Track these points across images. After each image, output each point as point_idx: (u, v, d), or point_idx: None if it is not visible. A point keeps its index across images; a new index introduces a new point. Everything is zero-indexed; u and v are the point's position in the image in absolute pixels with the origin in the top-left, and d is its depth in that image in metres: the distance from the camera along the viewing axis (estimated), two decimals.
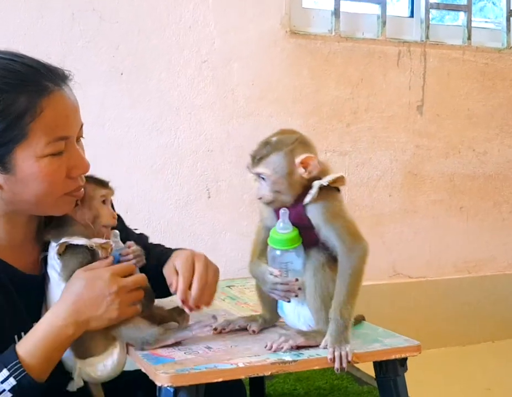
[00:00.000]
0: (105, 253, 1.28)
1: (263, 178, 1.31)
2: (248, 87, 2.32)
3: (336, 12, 2.46)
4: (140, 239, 1.50)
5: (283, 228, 1.29)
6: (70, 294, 1.23)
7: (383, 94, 2.55)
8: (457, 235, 2.73)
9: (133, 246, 1.36)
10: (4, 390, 1.16)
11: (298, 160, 1.28)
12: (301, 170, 1.28)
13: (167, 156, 2.21)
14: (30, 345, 1.19)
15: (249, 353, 1.28)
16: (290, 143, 1.33)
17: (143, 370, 1.24)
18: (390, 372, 1.36)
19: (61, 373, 1.27)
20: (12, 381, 1.16)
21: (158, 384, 1.17)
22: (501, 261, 2.80)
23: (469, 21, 2.69)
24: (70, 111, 1.21)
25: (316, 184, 1.27)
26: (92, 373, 1.28)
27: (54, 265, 1.29)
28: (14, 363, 1.16)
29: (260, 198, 1.32)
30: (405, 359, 1.37)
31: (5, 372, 1.16)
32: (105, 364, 1.28)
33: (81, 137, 1.27)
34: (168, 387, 1.16)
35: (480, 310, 2.75)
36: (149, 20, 2.18)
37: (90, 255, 1.27)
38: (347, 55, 2.47)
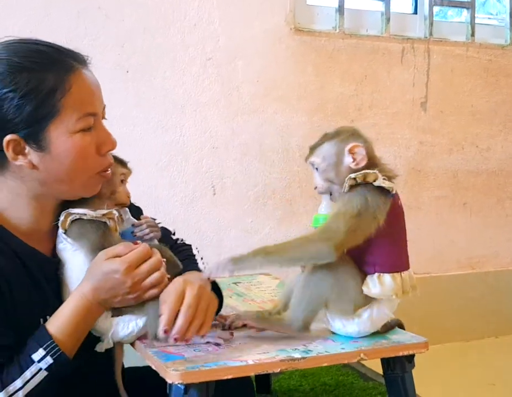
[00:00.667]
0: (113, 223, 1.30)
1: (316, 168, 1.33)
2: (252, 85, 2.33)
3: (340, 9, 2.47)
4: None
5: (323, 210, 1.34)
6: (93, 277, 1.25)
7: (387, 91, 2.55)
8: (460, 231, 2.73)
9: (147, 218, 1.40)
10: (41, 369, 1.18)
11: (346, 148, 1.30)
12: (349, 160, 1.29)
13: (172, 154, 2.22)
14: (59, 324, 1.22)
15: (258, 350, 1.29)
16: (342, 133, 1.35)
17: (153, 367, 1.24)
18: (398, 369, 1.37)
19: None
20: (49, 360, 1.19)
21: (169, 381, 1.18)
22: (504, 257, 2.81)
23: (472, 17, 2.70)
24: (95, 88, 1.25)
25: (349, 176, 1.27)
26: (123, 331, 1.30)
27: (62, 240, 1.30)
28: (49, 342, 1.19)
29: (315, 188, 1.34)
30: (412, 356, 1.37)
31: (41, 351, 1.19)
32: (137, 323, 1.30)
33: (104, 117, 1.30)
34: (179, 385, 1.17)
35: (484, 305, 2.76)
36: (154, 18, 2.18)
37: (103, 226, 1.29)
38: (352, 52, 2.48)
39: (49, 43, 1.25)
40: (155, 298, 1.28)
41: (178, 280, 1.30)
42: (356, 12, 2.54)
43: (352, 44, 2.48)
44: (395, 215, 1.32)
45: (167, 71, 2.20)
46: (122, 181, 1.38)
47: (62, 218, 1.29)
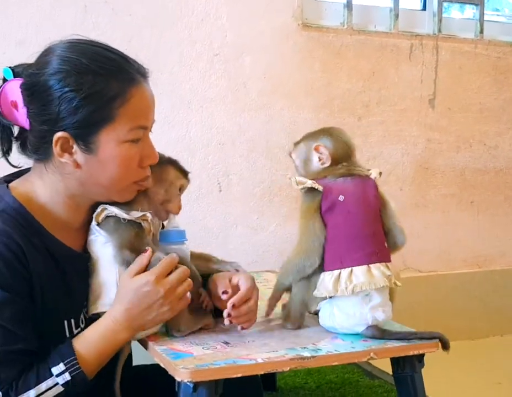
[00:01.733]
0: (147, 225, 1.30)
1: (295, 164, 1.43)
2: (259, 81, 2.31)
3: (349, 5, 2.45)
4: None
5: None
6: (123, 298, 1.26)
7: (394, 87, 2.54)
8: (467, 230, 2.72)
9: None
10: (58, 384, 1.18)
11: (313, 146, 1.37)
12: (315, 158, 1.37)
13: (178, 150, 2.20)
14: (86, 343, 1.23)
15: (267, 349, 1.28)
16: (317, 132, 1.41)
17: (162, 365, 1.24)
18: (408, 368, 1.36)
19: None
20: (67, 376, 1.19)
21: (178, 379, 1.17)
22: (511, 256, 2.80)
23: (481, 14, 2.68)
24: (152, 103, 1.28)
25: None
26: None
27: (94, 232, 1.30)
28: (71, 359, 1.20)
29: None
30: (422, 355, 1.37)
31: (61, 366, 1.19)
32: None
33: (151, 131, 1.31)
34: (188, 383, 1.16)
35: (490, 304, 2.75)
36: (162, 13, 2.17)
37: (136, 227, 1.29)
38: (359, 48, 2.46)
39: (118, 51, 1.26)
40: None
41: (247, 275, 1.39)
42: (364, 8, 2.52)
43: (360, 40, 2.46)
44: (334, 214, 1.34)
45: (174, 66, 2.19)
46: (180, 190, 1.38)
47: (98, 210, 1.29)
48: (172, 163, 1.39)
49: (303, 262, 1.35)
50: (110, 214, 1.29)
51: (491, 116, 2.71)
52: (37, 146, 1.24)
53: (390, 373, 1.42)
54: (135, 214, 1.30)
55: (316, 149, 1.37)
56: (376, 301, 1.32)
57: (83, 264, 1.31)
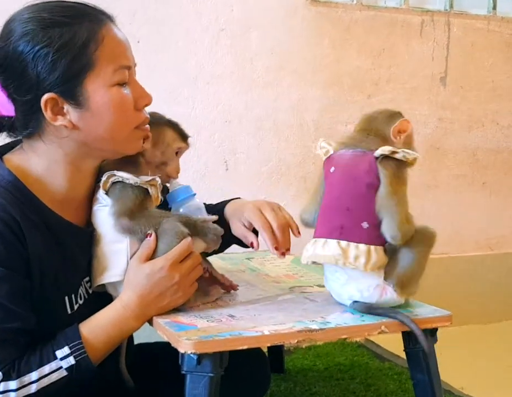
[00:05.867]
0: (154, 190, 1.26)
1: None
2: (267, 57, 2.26)
3: None
4: None
5: None
6: (135, 285, 1.22)
7: (405, 65, 2.48)
8: (479, 211, 2.66)
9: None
10: (61, 367, 1.14)
11: None
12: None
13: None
14: (94, 328, 1.19)
15: (274, 322, 1.24)
16: None
17: (165, 338, 1.20)
18: (420, 343, 1.31)
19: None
20: (71, 360, 1.15)
21: (181, 350, 1.13)
22: None
23: None
24: (125, 42, 1.23)
25: None
26: None
27: (101, 201, 1.27)
28: (76, 342, 1.16)
29: None
30: (435, 330, 1.32)
31: (66, 349, 1.15)
32: None
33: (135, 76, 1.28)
34: (191, 354, 1.13)
35: (502, 287, 2.69)
36: None
37: (143, 194, 1.26)
38: (369, 24, 2.40)
39: (74, 0, 1.22)
40: None
41: (245, 205, 1.42)
42: None
43: (370, 16, 2.40)
44: (325, 185, 1.35)
45: (179, 41, 2.14)
46: (176, 153, 1.35)
47: (104, 178, 1.25)
48: (171, 125, 1.37)
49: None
50: (116, 180, 1.25)
51: (504, 95, 2.64)
52: (27, 120, 1.18)
53: (401, 355, 1.38)
54: (144, 178, 1.27)
55: None
56: (343, 278, 1.30)
57: (85, 238, 1.27)
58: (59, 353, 1.15)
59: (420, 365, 1.31)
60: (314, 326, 1.21)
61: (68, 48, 1.14)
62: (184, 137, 1.38)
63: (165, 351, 1.22)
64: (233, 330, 1.18)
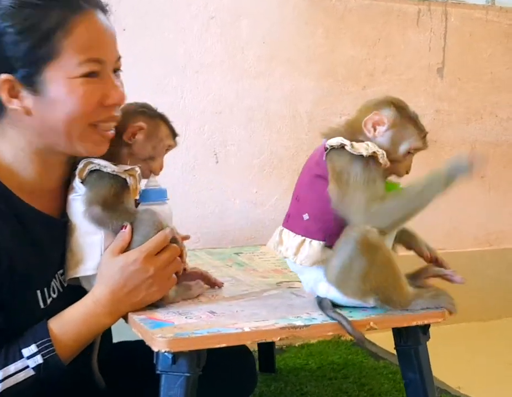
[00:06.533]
0: (133, 181, 1.21)
1: None
2: (258, 46, 2.19)
3: None
4: None
5: None
6: (108, 279, 1.16)
7: (401, 55, 2.41)
8: (478, 206, 2.59)
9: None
10: (28, 366, 1.09)
11: None
12: None
13: (172, 118, 2.03)
14: (64, 324, 1.14)
15: (256, 318, 1.17)
16: None
17: (139, 336, 1.14)
18: (411, 340, 1.25)
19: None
20: (39, 359, 1.09)
21: (155, 349, 1.07)
22: None
23: None
24: (105, 34, 1.17)
25: None
26: None
27: (76, 190, 1.22)
28: (45, 340, 1.10)
29: None
30: (427, 326, 1.26)
31: (33, 347, 1.09)
32: None
33: (119, 69, 1.22)
34: (166, 353, 1.06)
35: (502, 284, 2.62)
36: None
37: (120, 185, 1.20)
38: (364, 13, 2.33)
39: None
40: None
41: None
42: None
43: (365, 5, 2.33)
44: None
45: (167, 30, 2.07)
46: (166, 150, 1.32)
47: (80, 166, 1.20)
48: (164, 120, 1.33)
49: None
50: (94, 168, 1.20)
51: (503, 86, 2.57)
52: None
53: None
54: (123, 167, 1.22)
55: None
56: (292, 268, 1.29)
57: (58, 229, 1.21)
58: (26, 352, 1.09)
59: (412, 363, 1.25)
60: (299, 323, 1.14)
61: (32, 31, 1.10)
62: (174, 134, 1.34)
63: (145, 349, 1.15)
64: (212, 326, 1.11)
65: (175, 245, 1.21)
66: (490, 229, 2.63)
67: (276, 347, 2.03)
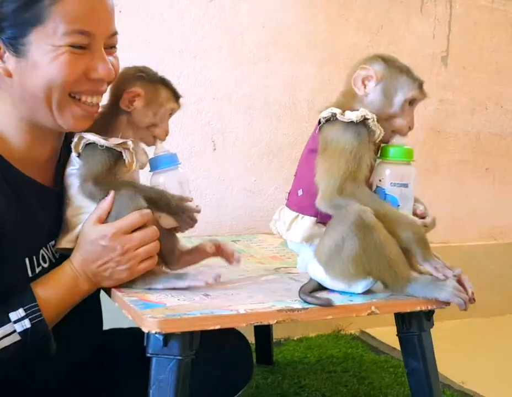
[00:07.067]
0: (128, 154, 1.17)
1: None
2: (258, 31, 2.13)
3: None
4: None
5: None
6: (82, 247, 1.15)
7: (405, 43, 2.35)
8: (482, 198, 2.54)
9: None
10: (14, 331, 1.06)
11: None
12: None
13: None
14: (47, 289, 1.12)
15: (253, 301, 1.12)
16: None
17: (129, 317, 1.08)
18: (414, 326, 1.20)
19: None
20: (26, 323, 1.07)
21: (145, 330, 1.01)
22: None
23: None
24: (100, 6, 1.13)
25: None
26: None
27: (74, 163, 1.19)
28: (32, 304, 1.08)
29: None
30: (431, 312, 1.20)
31: (21, 312, 1.07)
32: None
33: (115, 46, 1.19)
34: (157, 334, 1.01)
35: (506, 279, 2.57)
36: None
37: (114, 159, 1.17)
38: None
39: None
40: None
41: None
42: None
43: None
44: None
45: (164, 13, 2.01)
46: (170, 114, 1.26)
47: (75, 140, 1.17)
48: (165, 83, 1.27)
49: None
50: (88, 142, 1.17)
51: (508, 77, 2.52)
52: None
53: (398, 348, 1.26)
54: (114, 141, 1.17)
55: None
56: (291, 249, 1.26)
57: (50, 198, 1.19)
58: (13, 316, 1.06)
59: (415, 351, 1.20)
60: (297, 305, 1.09)
61: None
62: (177, 96, 1.28)
63: (137, 335, 1.10)
64: (205, 308, 1.06)
65: (153, 227, 1.17)
66: (494, 222, 2.57)
67: (274, 340, 1.98)
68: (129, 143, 1.18)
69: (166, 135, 1.26)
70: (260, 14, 2.13)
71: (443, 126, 2.45)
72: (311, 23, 2.21)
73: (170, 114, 1.27)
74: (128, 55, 1.95)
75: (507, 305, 2.57)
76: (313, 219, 1.17)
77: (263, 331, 1.87)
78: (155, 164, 1.25)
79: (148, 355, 1.04)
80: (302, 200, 1.17)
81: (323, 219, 1.17)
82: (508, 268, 2.58)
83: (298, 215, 1.17)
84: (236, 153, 2.14)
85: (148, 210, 1.16)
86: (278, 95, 2.18)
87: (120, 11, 1.93)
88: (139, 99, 1.21)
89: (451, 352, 2.05)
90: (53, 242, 1.19)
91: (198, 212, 1.24)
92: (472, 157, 2.51)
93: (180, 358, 1.02)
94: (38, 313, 1.07)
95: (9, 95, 1.13)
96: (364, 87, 1.18)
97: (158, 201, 1.18)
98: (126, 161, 1.18)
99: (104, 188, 1.16)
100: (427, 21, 2.38)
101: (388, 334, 1.27)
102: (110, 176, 1.17)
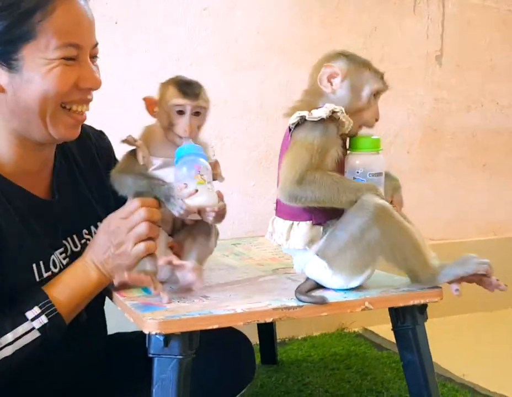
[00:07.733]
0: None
1: None
2: (252, 37, 2.17)
3: None
4: None
5: None
6: (93, 239, 1.21)
7: (398, 44, 2.38)
8: (480, 194, 2.57)
9: None
10: (33, 328, 1.10)
11: None
12: None
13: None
14: (58, 285, 1.15)
15: (250, 301, 1.15)
16: None
17: (130, 320, 1.12)
18: (409, 320, 1.23)
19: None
20: (43, 319, 1.10)
21: (146, 331, 1.05)
22: None
23: None
24: (84, 19, 1.17)
25: None
26: None
27: None
28: (46, 301, 1.12)
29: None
30: (424, 306, 1.23)
31: (36, 309, 1.11)
32: None
33: (97, 56, 1.22)
34: (158, 335, 1.04)
35: (506, 274, 2.54)
36: None
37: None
38: (360, 1, 2.31)
39: None
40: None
41: None
42: None
43: None
44: None
45: (159, 21, 2.05)
46: (180, 112, 1.22)
47: None
48: (175, 81, 1.25)
49: None
50: None
51: (503, 73, 2.55)
52: None
53: None
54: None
55: None
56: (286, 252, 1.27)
57: (42, 209, 1.21)
58: (30, 314, 1.10)
59: (410, 344, 1.23)
60: (292, 303, 1.12)
61: (10, 11, 1.11)
62: (185, 92, 1.22)
63: (139, 341, 1.14)
64: (204, 309, 1.09)
65: (147, 208, 1.16)
66: (493, 218, 2.60)
67: (279, 339, 2.01)
68: (135, 138, 1.26)
69: (186, 131, 1.23)
70: (254, 19, 2.17)
71: (439, 124, 2.48)
72: (305, 27, 2.24)
73: (181, 112, 1.23)
74: (125, 65, 2.03)
75: (508, 300, 2.57)
76: (308, 223, 1.19)
77: (267, 332, 1.90)
78: (176, 155, 1.22)
79: (150, 355, 1.07)
80: (291, 208, 1.19)
81: (318, 220, 1.19)
82: (507, 263, 2.59)
83: (292, 223, 1.19)
84: (234, 159, 2.17)
85: (150, 198, 1.18)
86: (274, 99, 2.21)
87: (116, 23, 1.99)
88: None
89: (452, 346, 2.08)
90: (61, 250, 1.22)
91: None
92: (469, 154, 2.54)
93: (180, 357, 1.05)
94: (53, 308, 1.11)
95: (1, 107, 1.16)
96: (331, 85, 1.21)
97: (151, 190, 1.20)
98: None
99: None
100: (420, 21, 2.41)
101: (391, 331, 1.29)
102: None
